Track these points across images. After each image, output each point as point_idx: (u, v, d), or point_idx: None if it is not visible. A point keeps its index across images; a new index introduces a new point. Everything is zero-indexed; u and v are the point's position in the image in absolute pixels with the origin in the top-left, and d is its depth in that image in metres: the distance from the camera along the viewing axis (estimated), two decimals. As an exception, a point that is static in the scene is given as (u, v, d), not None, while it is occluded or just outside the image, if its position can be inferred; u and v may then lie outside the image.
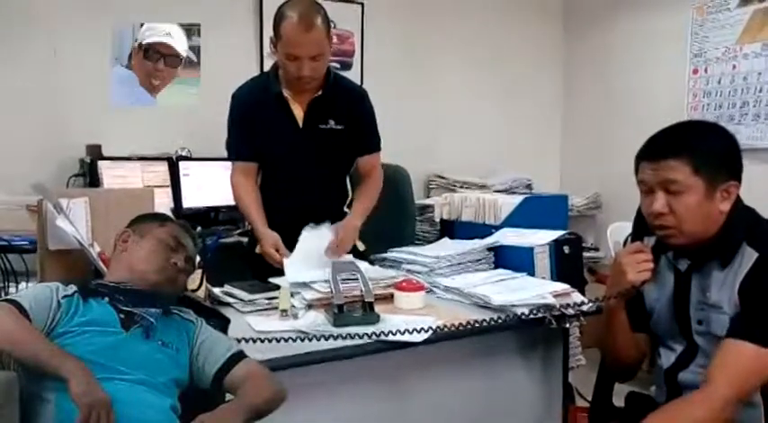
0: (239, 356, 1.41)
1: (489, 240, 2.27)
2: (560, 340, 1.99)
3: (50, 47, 2.94)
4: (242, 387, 1.34)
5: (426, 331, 1.60)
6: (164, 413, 1.29)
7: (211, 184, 2.98)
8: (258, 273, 2.06)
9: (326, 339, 1.54)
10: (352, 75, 3.38)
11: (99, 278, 1.52)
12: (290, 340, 1.52)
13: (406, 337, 1.57)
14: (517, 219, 2.61)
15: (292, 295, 1.79)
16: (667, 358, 1.54)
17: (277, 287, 1.84)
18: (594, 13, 4.15)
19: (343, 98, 2.20)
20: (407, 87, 3.78)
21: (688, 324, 1.49)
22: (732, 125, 3.20)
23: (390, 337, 1.57)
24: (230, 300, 1.84)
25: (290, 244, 2.07)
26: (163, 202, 2.74)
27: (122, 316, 1.37)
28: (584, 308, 1.75)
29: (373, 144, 2.30)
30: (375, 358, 1.62)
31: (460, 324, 1.66)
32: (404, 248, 2.30)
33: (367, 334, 1.59)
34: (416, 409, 1.77)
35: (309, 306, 1.80)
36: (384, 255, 2.28)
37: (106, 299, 1.39)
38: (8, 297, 1.36)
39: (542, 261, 2.16)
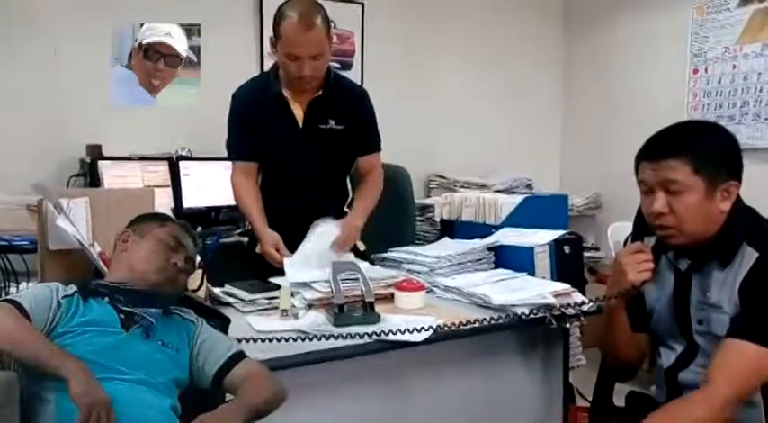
0: (239, 356, 1.41)
1: (489, 240, 2.26)
2: (561, 340, 1.99)
3: (50, 47, 2.94)
4: (242, 387, 1.34)
5: (427, 331, 1.60)
6: (164, 413, 1.29)
7: (212, 184, 2.98)
8: (258, 273, 2.06)
9: (327, 339, 1.54)
10: (352, 75, 3.38)
11: (99, 278, 1.52)
12: (291, 340, 1.52)
13: (407, 337, 1.57)
14: (517, 219, 2.60)
15: (293, 295, 1.79)
16: (667, 358, 1.54)
17: (277, 287, 1.84)
18: (594, 13, 4.15)
19: (344, 98, 2.20)
20: (407, 87, 3.78)
21: (688, 324, 1.49)
22: (732, 125, 3.21)
23: (391, 337, 1.57)
24: (231, 299, 1.84)
25: (291, 244, 2.07)
26: (163, 202, 2.74)
27: (122, 316, 1.37)
28: (585, 308, 1.75)
29: (373, 144, 2.30)
30: (375, 358, 1.62)
31: (461, 323, 1.66)
32: (404, 248, 2.30)
33: (367, 333, 1.58)
34: (417, 408, 1.76)
35: (310, 306, 1.80)
36: (384, 255, 2.28)
37: (106, 299, 1.39)
38: (8, 297, 1.36)
39: (542, 261, 2.15)
